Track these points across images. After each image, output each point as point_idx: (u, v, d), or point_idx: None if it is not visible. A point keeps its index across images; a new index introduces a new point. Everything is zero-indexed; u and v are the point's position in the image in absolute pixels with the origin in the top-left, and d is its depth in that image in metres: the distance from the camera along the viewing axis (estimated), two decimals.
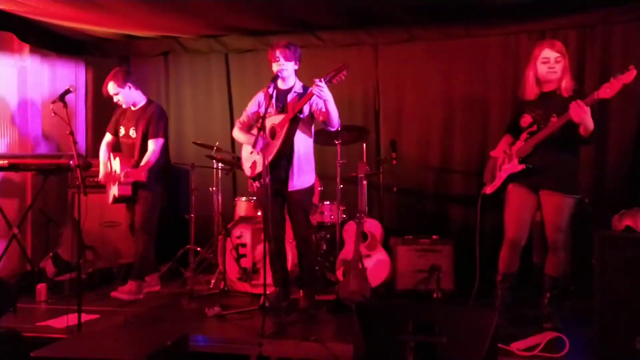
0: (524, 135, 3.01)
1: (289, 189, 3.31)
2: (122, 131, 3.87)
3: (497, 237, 3.32)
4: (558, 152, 2.93)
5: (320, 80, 3.08)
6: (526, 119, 3.03)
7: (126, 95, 3.78)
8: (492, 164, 3.21)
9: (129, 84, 3.78)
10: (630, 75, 2.65)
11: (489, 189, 3.17)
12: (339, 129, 3.65)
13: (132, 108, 3.86)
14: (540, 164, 2.94)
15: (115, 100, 3.81)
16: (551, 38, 4.17)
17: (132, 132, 3.81)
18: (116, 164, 3.78)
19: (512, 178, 3.05)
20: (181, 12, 4.04)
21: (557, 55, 2.93)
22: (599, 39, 4.08)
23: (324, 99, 3.12)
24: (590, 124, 2.79)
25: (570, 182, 2.99)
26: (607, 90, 2.69)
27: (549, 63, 2.94)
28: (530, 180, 3.00)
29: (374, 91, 4.64)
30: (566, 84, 2.95)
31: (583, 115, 2.73)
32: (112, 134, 3.94)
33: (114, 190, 3.73)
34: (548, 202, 2.96)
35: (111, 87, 3.76)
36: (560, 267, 2.96)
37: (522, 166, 2.97)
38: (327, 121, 3.25)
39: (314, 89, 3.10)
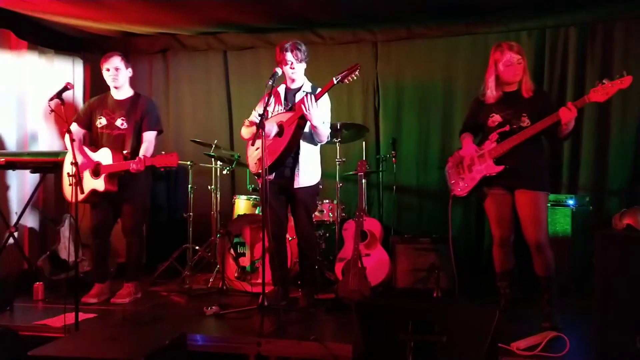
0: (494, 135, 2.99)
1: (294, 187, 3.29)
2: (102, 121, 3.60)
3: None
4: (530, 151, 2.95)
5: (310, 100, 3.09)
6: (495, 119, 3.01)
7: (124, 77, 3.61)
8: (457, 162, 3.17)
9: (129, 69, 3.66)
10: (626, 81, 2.67)
11: (460, 191, 3.13)
12: (336, 130, 3.70)
13: (116, 97, 3.64)
14: (514, 163, 2.95)
15: (110, 75, 3.57)
16: (552, 35, 4.17)
17: (122, 123, 3.57)
18: (103, 156, 3.47)
19: (488, 179, 3.03)
20: (179, 9, 4.01)
21: (519, 57, 2.95)
22: (600, 36, 4.07)
23: (308, 118, 3.13)
24: (572, 124, 2.84)
25: (542, 178, 3.02)
26: (600, 95, 2.71)
27: (513, 66, 2.95)
28: (504, 181, 3.00)
29: (374, 89, 4.62)
30: (527, 85, 2.97)
31: (572, 118, 2.76)
32: (82, 126, 3.65)
33: (95, 185, 3.43)
34: (525, 201, 2.96)
35: (117, 61, 3.57)
36: (549, 265, 2.95)
37: (500, 168, 2.96)
38: (314, 133, 3.27)
39: (303, 104, 3.10)
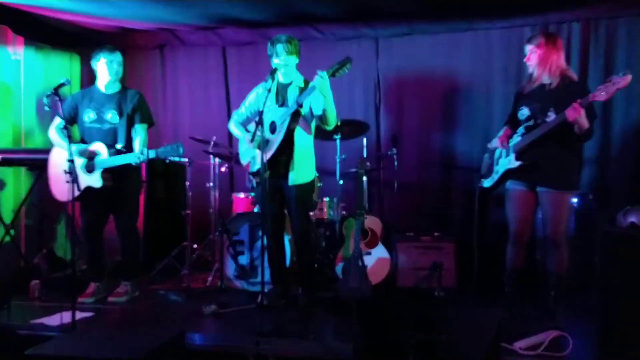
0: (521, 129, 3.00)
1: (289, 184, 3.26)
2: (91, 116, 3.53)
3: (500, 232, 3.28)
4: (555, 149, 2.92)
5: (321, 76, 3.02)
6: (524, 112, 3.02)
7: (120, 72, 3.59)
8: (490, 156, 3.21)
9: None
10: (625, 80, 2.67)
11: (486, 183, 3.19)
12: (337, 127, 3.60)
13: (105, 92, 3.58)
14: (537, 160, 2.93)
15: (112, 68, 3.52)
16: (555, 31, 4.14)
17: (113, 117, 3.51)
18: (98, 150, 3.43)
19: (509, 173, 3.04)
20: (177, 3, 3.97)
21: (531, 46, 2.96)
22: (603, 32, 4.04)
23: (323, 93, 3.07)
24: (583, 124, 2.79)
25: (568, 178, 2.97)
26: (602, 94, 2.71)
27: (526, 56, 2.97)
28: (527, 177, 2.99)
29: (375, 85, 4.59)
30: (551, 75, 2.93)
31: (577, 117, 2.73)
32: (67, 121, 3.45)
33: (90, 181, 3.37)
34: (546, 200, 2.95)
35: (120, 57, 3.58)
36: (562, 264, 2.95)
37: (519, 163, 2.96)
38: (323, 118, 3.18)
39: (315, 81, 3.04)
